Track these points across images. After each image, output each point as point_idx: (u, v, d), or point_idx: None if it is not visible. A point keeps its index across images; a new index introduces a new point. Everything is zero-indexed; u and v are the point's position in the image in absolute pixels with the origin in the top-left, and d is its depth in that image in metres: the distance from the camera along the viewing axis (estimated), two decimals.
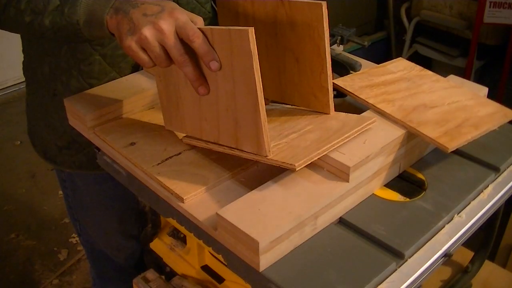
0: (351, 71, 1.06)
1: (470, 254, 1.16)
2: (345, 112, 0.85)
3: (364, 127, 0.80)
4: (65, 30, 0.82)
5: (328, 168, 0.76)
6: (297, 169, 0.71)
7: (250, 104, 0.73)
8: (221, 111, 0.78)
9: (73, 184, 1.20)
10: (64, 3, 0.82)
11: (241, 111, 0.75)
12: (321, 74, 0.82)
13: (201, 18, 0.77)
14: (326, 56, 0.80)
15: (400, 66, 0.99)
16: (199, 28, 0.73)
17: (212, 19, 1.04)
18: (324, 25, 0.78)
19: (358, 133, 0.79)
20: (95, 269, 1.40)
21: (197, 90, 0.78)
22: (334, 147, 0.76)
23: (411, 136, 0.83)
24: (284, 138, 0.80)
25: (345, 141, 0.77)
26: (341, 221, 0.77)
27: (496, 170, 0.87)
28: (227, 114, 0.77)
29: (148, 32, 0.73)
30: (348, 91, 0.90)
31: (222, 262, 0.78)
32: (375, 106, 0.86)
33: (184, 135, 0.89)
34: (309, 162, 0.73)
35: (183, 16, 0.74)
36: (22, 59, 1.12)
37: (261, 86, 0.71)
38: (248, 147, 0.77)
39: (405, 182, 0.84)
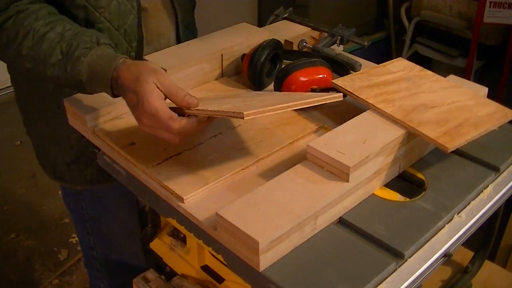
0: (351, 71, 1.07)
1: (470, 254, 1.16)
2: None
3: (326, 99, 0.80)
4: (67, 83, 0.87)
5: (328, 168, 0.76)
6: (245, 118, 0.70)
7: None
8: None
9: (92, 192, 1.19)
10: (66, 58, 0.84)
11: None
12: None
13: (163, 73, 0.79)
14: None
15: (400, 66, 0.99)
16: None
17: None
18: None
19: (318, 103, 0.80)
20: (110, 280, 1.36)
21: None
22: (290, 108, 0.77)
23: (411, 136, 0.83)
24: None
25: (302, 106, 0.78)
26: (341, 221, 0.77)
27: (496, 170, 0.87)
28: None
29: (144, 128, 0.79)
30: (348, 91, 0.90)
31: (222, 262, 0.78)
32: (375, 106, 0.86)
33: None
34: (259, 115, 0.72)
35: (151, 102, 0.76)
36: None
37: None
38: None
39: (405, 182, 0.84)
